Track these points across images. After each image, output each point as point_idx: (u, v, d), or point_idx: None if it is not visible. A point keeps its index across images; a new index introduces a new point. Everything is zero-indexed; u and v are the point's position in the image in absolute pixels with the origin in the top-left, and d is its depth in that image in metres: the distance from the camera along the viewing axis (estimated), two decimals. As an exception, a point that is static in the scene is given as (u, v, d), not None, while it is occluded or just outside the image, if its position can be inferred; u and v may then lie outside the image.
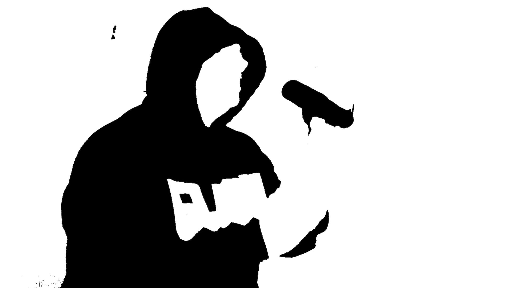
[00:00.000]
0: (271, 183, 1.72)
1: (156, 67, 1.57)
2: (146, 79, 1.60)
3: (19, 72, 2.85)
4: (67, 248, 1.57)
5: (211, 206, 1.55)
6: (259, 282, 2.95)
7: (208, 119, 1.59)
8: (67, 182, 1.54)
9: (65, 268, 1.59)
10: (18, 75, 2.85)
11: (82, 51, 2.88)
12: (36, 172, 2.83)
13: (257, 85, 1.64)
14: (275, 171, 1.81)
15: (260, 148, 1.80)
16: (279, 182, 1.74)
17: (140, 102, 1.76)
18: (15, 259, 2.83)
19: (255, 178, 1.67)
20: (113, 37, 2.87)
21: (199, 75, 1.55)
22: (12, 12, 2.85)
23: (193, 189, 1.54)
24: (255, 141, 1.80)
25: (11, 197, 2.83)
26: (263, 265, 2.99)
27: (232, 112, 1.63)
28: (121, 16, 2.89)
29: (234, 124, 1.83)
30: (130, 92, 2.89)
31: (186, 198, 1.51)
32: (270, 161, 1.78)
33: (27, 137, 2.84)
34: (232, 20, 2.90)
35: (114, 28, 2.88)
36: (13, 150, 2.83)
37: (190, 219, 1.49)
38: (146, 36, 2.90)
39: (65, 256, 1.57)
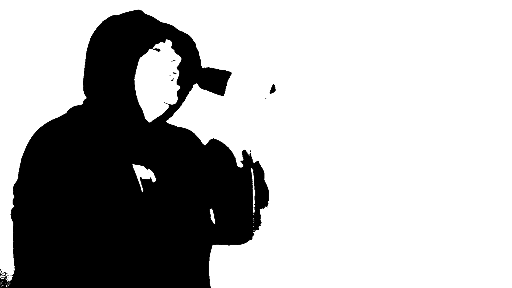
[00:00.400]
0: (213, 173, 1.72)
1: (92, 69, 1.62)
2: (82, 82, 1.65)
3: (19, 72, 2.85)
4: (15, 244, 1.59)
5: (149, 196, 1.56)
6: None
7: (149, 116, 1.63)
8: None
9: (14, 266, 1.61)
10: (18, 75, 2.85)
11: (82, 51, 2.87)
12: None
13: (193, 82, 1.67)
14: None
15: (201, 141, 1.83)
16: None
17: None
18: None
19: (199, 169, 1.67)
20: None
21: (136, 72, 1.59)
22: (12, 12, 2.84)
23: (151, 175, 1.58)
24: (196, 135, 1.83)
25: None
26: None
27: (173, 108, 1.67)
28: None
29: (177, 120, 1.88)
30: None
31: (146, 183, 1.55)
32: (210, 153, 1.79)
33: (27, 137, 2.84)
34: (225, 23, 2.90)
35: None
36: (13, 150, 2.83)
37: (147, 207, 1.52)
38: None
39: (13, 252, 1.60)
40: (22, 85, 2.88)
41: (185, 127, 1.82)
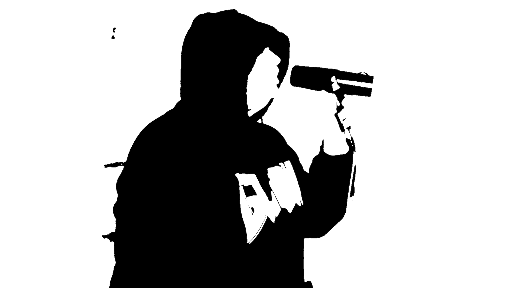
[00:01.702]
0: (299, 171, 1.81)
1: (196, 70, 1.61)
2: (180, 83, 1.65)
3: (19, 72, 2.85)
4: (117, 240, 1.59)
5: (269, 195, 1.63)
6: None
7: (251, 112, 1.65)
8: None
9: (115, 263, 1.62)
10: (18, 75, 2.85)
11: (82, 51, 2.87)
12: (38, 172, 2.83)
13: (281, 80, 1.74)
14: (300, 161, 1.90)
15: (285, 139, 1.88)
16: (304, 171, 1.84)
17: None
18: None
19: (289, 165, 1.76)
20: (113, 37, 2.88)
21: (251, 70, 1.61)
22: (12, 12, 2.85)
23: (253, 180, 1.62)
24: (280, 133, 1.88)
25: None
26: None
27: (266, 107, 1.70)
28: (121, 16, 2.89)
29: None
30: (130, 91, 2.89)
31: (249, 191, 1.58)
32: (294, 151, 1.88)
33: (26, 137, 2.84)
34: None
35: (114, 29, 2.88)
36: (13, 151, 2.84)
37: (256, 213, 1.57)
38: (146, 36, 2.90)
39: (115, 249, 1.61)
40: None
41: (268, 125, 1.86)
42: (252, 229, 1.55)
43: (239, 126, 1.65)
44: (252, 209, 1.57)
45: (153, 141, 1.55)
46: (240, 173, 1.59)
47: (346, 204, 1.76)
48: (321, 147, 1.76)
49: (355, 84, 1.70)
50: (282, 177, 1.69)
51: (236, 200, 1.55)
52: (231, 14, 1.64)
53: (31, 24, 2.85)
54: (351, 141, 1.75)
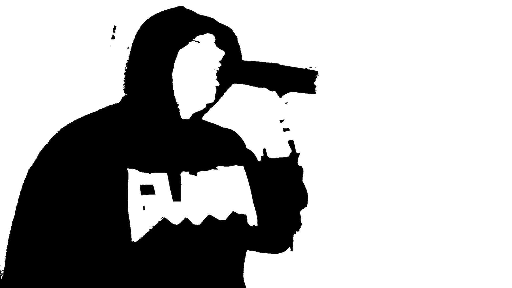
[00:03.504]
0: (255, 178, 1.71)
1: (132, 65, 1.58)
2: (124, 79, 1.61)
3: (18, 72, 2.85)
4: (12, 238, 1.54)
5: (176, 196, 1.53)
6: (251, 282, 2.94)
7: (185, 112, 1.59)
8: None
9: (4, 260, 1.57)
10: (18, 75, 2.85)
11: (82, 51, 2.87)
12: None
13: (234, 76, 1.64)
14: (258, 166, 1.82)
15: (246, 143, 1.79)
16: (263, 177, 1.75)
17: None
18: None
19: (237, 171, 1.67)
20: (113, 37, 2.87)
21: (174, 65, 1.55)
22: (12, 12, 2.85)
23: (160, 179, 1.53)
24: (240, 136, 1.80)
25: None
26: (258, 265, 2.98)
27: (209, 104, 1.62)
28: (121, 16, 2.88)
29: (218, 118, 1.84)
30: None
31: (147, 189, 1.49)
32: (255, 156, 1.78)
33: (26, 137, 2.83)
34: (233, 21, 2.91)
35: (114, 28, 2.87)
36: (13, 151, 2.82)
37: (146, 212, 1.49)
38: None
39: (6, 248, 1.55)
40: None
41: (229, 128, 1.78)
42: (139, 228, 1.47)
43: (169, 127, 1.58)
44: (144, 207, 1.48)
45: (70, 139, 1.51)
46: (141, 170, 1.51)
47: (298, 214, 1.67)
48: (264, 150, 1.66)
49: (298, 80, 1.58)
50: (216, 181, 1.60)
51: (122, 197, 1.48)
52: (172, 11, 1.61)
53: (31, 24, 2.85)
54: (292, 144, 1.64)
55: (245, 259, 1.66)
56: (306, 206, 1.68)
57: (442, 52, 2.94)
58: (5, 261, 1.53)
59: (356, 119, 2.95)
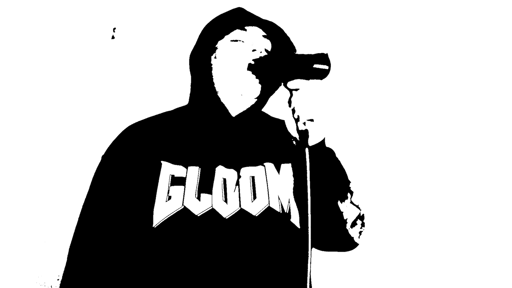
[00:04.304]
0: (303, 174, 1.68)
1: (198, 68, 1.59)
2: (190, 86, 1.62)
3: (18, 72, 2.85)
4: (76, 234, 1.58)
5: (206, 189, 1.53)
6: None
7: (234, 110, 1.58)
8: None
9: (67, 256, 1.60)
10: (18, 75, 2.85)
11: (82, 51, 2.87)
12: (38, 172, 2.82)
13: (285, 72, 1.57)
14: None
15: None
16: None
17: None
18: (15, 258, 2.82)
19: (285, 168, 1.63)
20: (113, 37, 2.88)
21: (212, 62, 1.55)
22: (12, 12, 2.85)
23: (192, 172, 1.53)
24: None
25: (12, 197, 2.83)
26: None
27: (262, 99, 1.59)
28: (121, 16, 2.89)
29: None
30: (130, 92, 2.89)
31: (176, 181, 1.50)
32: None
33: (26, 137, 2.84)
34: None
35: (114, 29, 2.88)
36: (12, 150, 2.83)
37: (171, 201, 1.50)
38: (146, 36, 2.90)
39: (71, 243, 1.60)
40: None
41: (278, 117, 1.74)
42: (160, 215, 1.49)
43: (217, 124, 1.59)
44: (170, 197, 1.50)
45: (125, 136, 1.59)
46: (174, 163, 1.53)
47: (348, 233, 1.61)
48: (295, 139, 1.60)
49: (307, 66, 1.49)
50: (258, 178, 1.57)
51: (153, 186, 1.51)
52: (233, 13, 1.60)
53: (31, 24, 2.85)
54: (306, 134, 1.56)
55: (310, 259, 1.57)
56: (351, 193, 1.63)
57: (441, 51, 2.95)
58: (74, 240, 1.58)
59: (354, 119, 2.96)
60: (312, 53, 1.50)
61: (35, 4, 2.86)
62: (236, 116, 1.58)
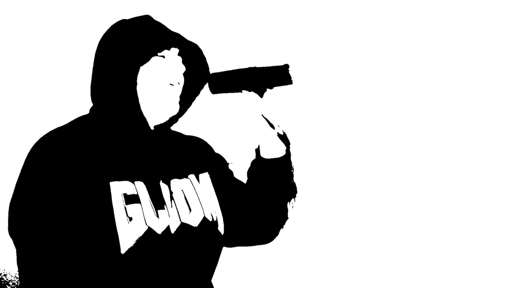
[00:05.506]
0: (223, 181, 1.76)
1: (98, 75, 1.58)
2: (90, 89, 1.62)
3: (18, 72, 2.87)
4: (17, 254, 1.53)
5: (159, 205, 1.55)
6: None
7: (152, 123, 1.61)
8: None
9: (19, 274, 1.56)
10: (17, 75, 2.88)
11: (82, 51, 2.89)
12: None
13: (200, 88, 1.69)
14: (230, 168, 1.85)
15: (213, 148, 1.83)
16: (235, 179, 1.81)
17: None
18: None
19: (205, 178, 1.70)
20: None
21: (137, 80, 1.56)
22: (12, 12, 2.88)
23: (140, 188, 1.53)
24: (208, 142, 1.83)
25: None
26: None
27: (176, 115, 1.65)
28: (121, 16, 2.90)
29: (187, 127, 1.87)
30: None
31: (131, 199, 1.50)
32: (223, 159, 1.82)
33: (26, 137, 2.83)
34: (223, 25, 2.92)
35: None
36: (12, 150, 2.86)
37: (135, 222, 1.49)
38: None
39: (17, 262, 1.54)
40: (29, 89, 2.93)
41: (195, 135, 1.82)
42: (127, 239, 1.47)
43: (137, 137, 1.59)
44: (130, 218, 1.48)
45: (48, 153, 1.50)
46: (120, 180, 1.51)
47: (287, 208, 1.72)
48: (257, 150, 1.73)
49: (273, 76, 1.64)
50: (188, 190, 1.63)
51: (107, 208, 1.47)
52: (138, 21, 1.60)
53: (31, 24, 2.91)
54: (285, 137, 1.71)
55: (218, 262, 1.68)
56: (294, 199, 1.73)
57: (440, 50, 2.94)
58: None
59: (351, 118, 2.96)
60: (273, 65, 1.66)
61: (35, 4, 2.90)
62: (154, 128, 1.63)
